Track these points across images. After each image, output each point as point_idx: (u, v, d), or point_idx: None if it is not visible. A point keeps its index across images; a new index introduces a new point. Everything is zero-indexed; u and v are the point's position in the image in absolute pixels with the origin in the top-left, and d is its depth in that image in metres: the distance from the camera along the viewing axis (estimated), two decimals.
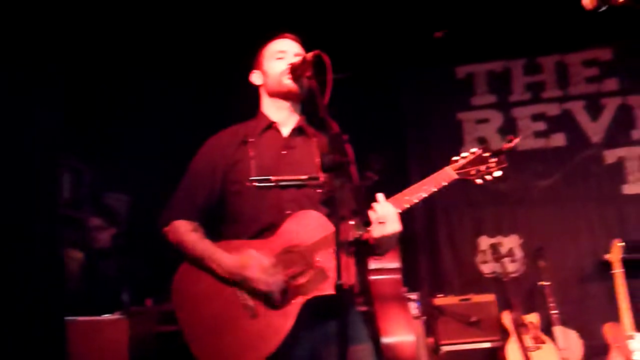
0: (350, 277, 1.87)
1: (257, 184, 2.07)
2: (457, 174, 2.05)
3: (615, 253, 4.59)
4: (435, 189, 2.02)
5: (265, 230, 2.05)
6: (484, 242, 5.49)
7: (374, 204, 1.96)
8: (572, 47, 5.56)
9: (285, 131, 2.21)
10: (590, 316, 5.00)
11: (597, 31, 5.04)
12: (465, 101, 5.76)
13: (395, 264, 4.40)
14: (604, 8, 1.74)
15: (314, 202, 2.07)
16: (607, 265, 4.73)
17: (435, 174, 2.06)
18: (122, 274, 4.39)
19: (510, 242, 5.47)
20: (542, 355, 4.53)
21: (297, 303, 1.92)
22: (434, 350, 4.70)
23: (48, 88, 3.70)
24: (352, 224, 1.96)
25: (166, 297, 2.14)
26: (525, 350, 4.50)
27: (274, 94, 2.22)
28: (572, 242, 5.33)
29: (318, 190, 2.09)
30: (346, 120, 1.97)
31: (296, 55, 2.18)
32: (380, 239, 1.96)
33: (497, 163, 2.05)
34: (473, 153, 2.08)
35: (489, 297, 4.89)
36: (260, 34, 2.31)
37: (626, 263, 4.57)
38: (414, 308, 4.56)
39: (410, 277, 4.87)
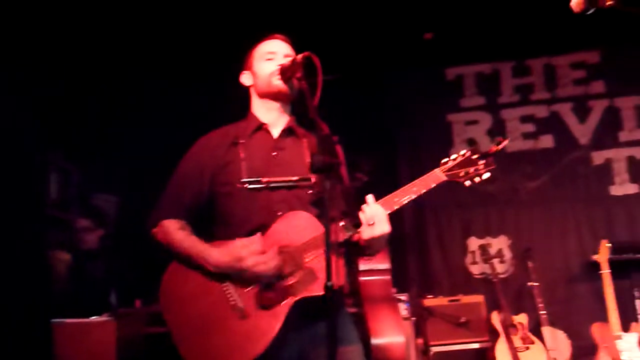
0: (339, 278, 1.86)
1: (247, 186, 2.06)
2: (446, 175, 2.07)
3: (603, 254, 4.63)
4: (425, 191, 2.03)
5: (255, 231, 2.04)
6: (473, 243, 5.52)
7: (364, 206, 1.97)
8: (560, 50, 5.61)
9: (276, 132, 2.21)
10: (577, 316, 5.04)
11: (585, 34, 5.09)
12: (454, 103, 5.79)
13: (385, 265, 4.40)
14: (591, 10, 1.75)
15: (304, 203, 2.07)
16: (595, 266, 4.77)
17: (425, 175, 2.07)
18: (110, 275, 4.36)
19: (499, 243, 5.49)
20: (531, 355, 4.55)
21: (286, 304, 1.92)
22: (424, 351, 4.70)
23: (34, 88, 3.67)
24: (342, 225, 1.97)
25: (154, 298, 2.13)
26: (514, 350, 4.52)
27: (263, 95, 2.21)
28: (560, 243, 5.38)
29: (309, 192, 2.08)
30: (336, 121, 1.97)
31: (286, 56, 2.18)
32: (370, 241, 1.97)
33: (486, 165, 2.07)
34: (462, 155, 2.09)
35: (478, 298, 4.91)
36: (250, 35, 2.30)
37: (613, 264, 4.62)
38: (403, 309, 4.57)
39: (400, 278, 4.88)
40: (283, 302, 1.92)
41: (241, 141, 2.15)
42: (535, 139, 5.61)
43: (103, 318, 3.55)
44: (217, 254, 2.00)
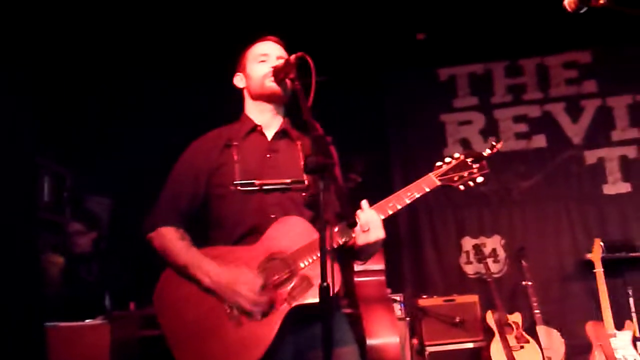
0: (335, 282, 1.86)
1: (241, 188, 2.06)
2: (440, 180, 2.08)
3: (597, 252, 4.65)
4: (419, 195, 2.04)
5: (249, 234, 2.03)
6: (467, 243, 5.53)
7: (358, 212, 1.96)
8: (552, 50, 5.64)
9: (270, 134, 2.20)
10: (572, 315, 5.07)
11: (577, 34, 5.12)
12: (447, 103, 5.80)
13: (379, 266, 4.41)
14: (584, 9, 1.76)
15: (298, 206, 2.07)
16: (588, 265, 4.80)
17: (419, 180, 2.07)
18: (104, 278, 4.34)
19: (493, 243, 5.51)
20: (526, 354, 4.57)
21: (282, 311, 1.91)
22: (418, 351, 4.71)
23: (28, 91, 3.65)
24: (337, 231, 1.96)
25: (149, 301, 2.12)
26: (508, 349, 4.53)
27: (257, 97, 2.21)
28: (554, 242, 5.40)
29: (303, 194, 2.08)
30: (328, 122, 1.97)
31: (279, 58, 2.17)
32: (364, 246, 1.97)
33: (480, 169, 2.08)
34: (456, 159, 2.10)
35: (473, 298, 4.92)
36: (249, 35, 2.29)
37: (606, 262, 4.64)
38: (398, 309, 4.58)
39: (394, 279, 4.89)
40: (278, 310, 1.91)
41: (235, 143, 2.14)
42: (528, 138, 5.63)
43: (97, 321, 3.53)
44: (216, 271, 1.96)
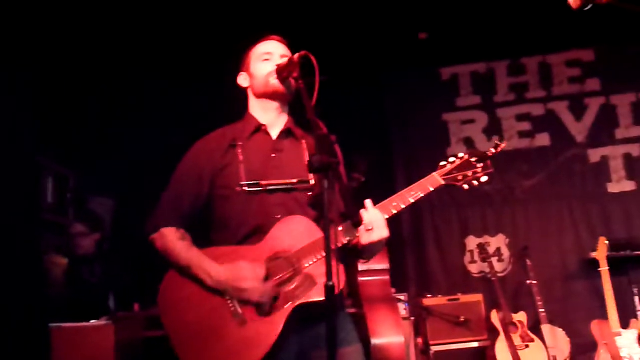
0: (339, 283, 1.86)
1: (246, 189, 2.05)
2: (444, 180, 2.07)
3: (601, 251, 4.63)
4: (423, 195, 2.04)
5: (253, 234, 2.03)
6: (471, 242, 5.52)
7: (362, 211, 1.96)
8: (555, 48, 5.62)
9: (274, 133, 2.20)
10: (576, 314, 5.05)
11: (579, 32, 5.10)
12: (450, 102, 5.79)
13: (384, 265, 4.40)
14: (589, 7, 1.75)
15: (302, 206, 2.06)
16: (592, 263, 4.78)
17: (423, 180, 2.07)
18: (107, 279, 4.33)
19: (497, 242, 5.50)
20: (531, 353, 4.55)
21: (286, 310, 1.91)
22: (423, 350, 4.70)
23: (31, 92, 3.65)
24: (341, 230, 1.96)
25: (153, 302, 2.12)
26: (514, 349, 4.52)
27: (261, 96, 2.21)
28: (558, 241, 5.39)
29: (307, 194, 2.07)
30: (331, 122, 1.96)
31: (282, 56, 2.17)
32: (368, 246, 1.97)
33: (484, 168, 2.08)
34: (460, 158, 2.10)
35: (477, 297, 4.91)
36: (249, 35, 2.29)
37: (611, 261, 4.62)
38: (402, 309, 4.57)
39: (399, 278, 4.88)
40: (282, 309, 1.91)
41: (239, 143, 2.14)
42: (532, 137, 5.62)
43: (101, 322, 3.53)
44: (219, 270, 1.97)
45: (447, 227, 5.59)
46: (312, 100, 1.89)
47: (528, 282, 4.88)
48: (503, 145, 2.13)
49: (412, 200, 2.03)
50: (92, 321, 3.53)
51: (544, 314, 4.70)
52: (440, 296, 4.97)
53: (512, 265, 5.41)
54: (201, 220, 2.17)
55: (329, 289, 1.62)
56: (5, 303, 3.18)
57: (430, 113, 5.78)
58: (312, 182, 2.07)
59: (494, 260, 5.21)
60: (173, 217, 2.11)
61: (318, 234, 1.94)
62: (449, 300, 4.88)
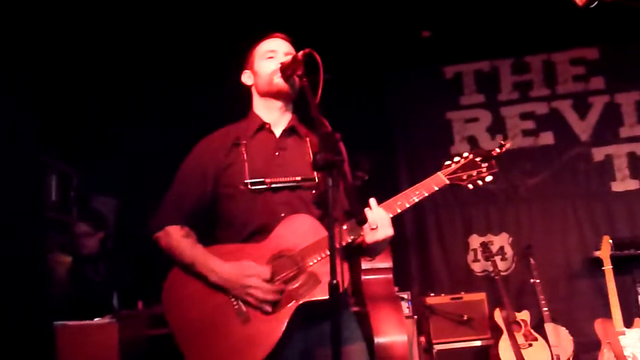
0: (344, 281, 1.86)
1: (250, 187, 2.05)
2: (449, 179, 2.08)
3: (605, 250, 4.62)
4: (427, 194, 2.04)
5: (258, 233, 2.03)
6: (475, 240, 5.51)
7: (366, 210, 1.96)
8: (559, 46, 5.61)
9: (278, 131, 2.19)
10: (580, 313, 5.05)
11: (583, 30, 5.09)
12: (454, 101, 5.78)
13: (387, 264, 4.40)
14: (594, 4, 1.74)
15: (307, 204, 2.06)
16: (596, 262, 4.77)
17: (427, 179, 2.07)
18: (111, 278, 4.34)
19: (501, 241, 5.49)
20: (534, 352, 4.55)
21: (290, 308, 1.91)
22: (426, 349, 4.70)
23: (34, 90, 3.66)
24: (345, 228, 1.96)
25: (157, 300, 2.12)
26: (517, 347, 4.52)
27: (265, 94, 2.20)
28: (561, 240, 5.38)
29: (312, 192, 2.07)
30: (333, 121, 1.96)
31: (287, 54, 2.17)
32: (373, 244, 1.97)
33: (488, 168, 2.08)
34: (464, 158, 2.10)
35: (480, 296, 4.91)
36: (250, 35, 2.29)
37: (615, 260, 4.61)
38: (405, 307, 4.56)
39: (402, 277, 4.88)
40: (286, 307, 1.91)
41: (243, 141, 2.13)
42: (536, 136, 5.61)
43: (105, 320, 3.54)
44: (223, 266, 1.97)
45: (450, 226, 5.59)
46: (316, 98, 1.89)
47: (531, 280, 4.87)
48: (508, 145, 2.13)
49: (417, 200, 2.03)
50: (95, 319, 3.54)
51: (547, 313, 4.69)
52: (443, 295, 4.96)
53: (516, 264, 5.41)
54: (206, 218, 2.17)
55: (333, 288, 1.62)
56: (10, 301, 3.19)
57: (434, 111, 5.77)
58: (317, 179, 2.06)
59: (497, 258, 5.20)
60: (177, 215, 2.12)
61: (322, 232, 1.94)
62: (452, 298, 4.88)
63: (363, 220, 1.82)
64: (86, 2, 4.10)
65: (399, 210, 2.00)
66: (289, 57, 2.10)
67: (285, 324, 1.89)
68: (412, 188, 2.05)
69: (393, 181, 5.47)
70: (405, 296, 4.68)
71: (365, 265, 4.33)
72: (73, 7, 4.04)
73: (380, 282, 4.32)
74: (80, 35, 4.36)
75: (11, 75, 3.44)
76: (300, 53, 2.01)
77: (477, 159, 2.09)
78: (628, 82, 5.44)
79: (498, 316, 4.71)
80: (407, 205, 2.02)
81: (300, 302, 1.91)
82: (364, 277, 4.33)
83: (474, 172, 2.08)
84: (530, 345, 4.58)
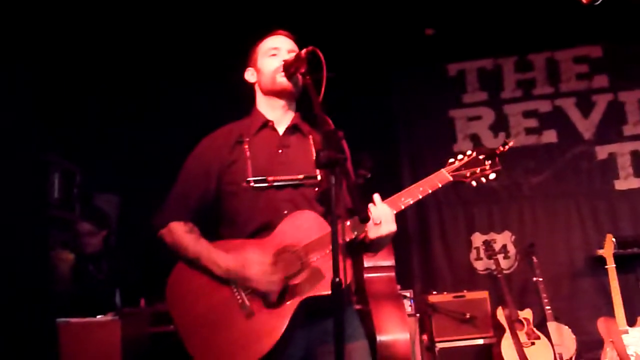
0: (347, 277, 1.86)
1: (253, 185, 2.05)
2: (452, 176, 2.09)
3: (608, 248, 4.61)
4: (431, 191, 2.05)
5: (261, 230, 2.04)
6: (477, 239, 5.51)
7: (370, 205, 1.96)
8: (562, 44, 5.60)
9: (281, 129, 2.20)
10: (582, 311, 5.05)
11: (587, 28, 5.08)
12: (456, 98, 5.78)
13: (389, 262, 4.40)
14: (599, 2, 1.73)
15: (310, 201, 2.06)
16: (599, 260, 4.76)
17: (431, 175, 2.09)
18: (114, 275, 4.36)
19: (503, 239, 5.48)
20: (536, 351, 4.54)
21: (293, 303, 1.91)
22: (428, 347, 4.70)
23: (36, 88, 3.67)
24: (348, 225, 1.96)
25: (159, 297, 2.13)
26: (519, 346, 4.51)
27: (268, 92, 2.20)
28: (564, 238, 5.38)
29: (315, 189, 2.08)
30: (337, 118, 1.96)
31: (290, 51, 2.17)
32: (376, 240, 1.97)
33: (492, 165, 2.10)
34: (468, 155, 2.12)
35: (483, 294, 4.90)
36: (252, 34, 2.29)
37: (618, 258, 4.60)
38: (408, 305, 4.56)
39: (404, 275, 4.88)
40: (289, 302, 1.91)
41: (246, 139, 2.14)
42: (539, 134, 5.60)
43: (108, 317, 3.55)
44: (226, 258, 1.99)
45: (453, 224, 5.58)
46: (319, 96, 1.89)
47: (534, 279, 4.86)
48: (511, 144, 2.14)
49: (421, 196, 2.04)
50: (98, 317, 3.55)
51: (550, 311, 4.69)
52: (445, 293, 4.96)
53: (518, 262, 5.40)
54: (209, 215, 2.18)
55: (335, 285, 1.62)
56: (13, 298, 3.20)
57: (437, 109, 5.77)
58: (320, 177, 2.07)
59: (500, 257, 5.19)
60: (181, 212, 2.12)
61: (326, 228, 1.95)
62: (455, 297, 4.88)
63: (366, 218, 1.82)
64: (91, 2, 4.11)
65: (402, 207, 2.02)
66: (292, 55, 2.10)
67: (289, 319, 1.89)
68: (415, 185, 2.06)
69: (396, 179, 5.46)
70: (408, 294, 4.68)
71: (367, 263, 4.33)
72: (77, 6, 4.05)
73: (383, 280, 4.32)
74: (82, 35, 4.37)
75: (14, 74, 3.44)
76: (304, 51, 2.01)
77: (481, 157, 2.10)
78: (632, 80, 5.43)
79: (501, 314, 4.71)
80: (411, 202, 2.03)
81: (304, 297, 1.91)
82: (366, 275, 4.33)
83: (477, 170, 2.09)
84: (533, 343, 4.58)
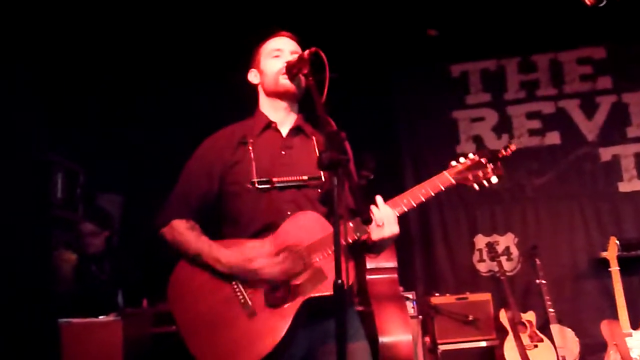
0: (349, 278, 1.86)
1: (257, 186, 2.06)
2: (455, 179, 2.10)
3: (612, 250, 4.60)
4: (433, 193, 2.06)
5: (264, 230, 2.04)
6: (480, 240, 5.49)
7: (373, 207, 1.97)
8: (566, 45, 5.58)
9: (284, 130, 2.20)
10: (586, 314, 5.02)
11: (590, 30, 5.06)
12: (459, 99, 5.76)
13: (392, 264, 4.39)
14: (603, 3, 1.72)
15: (313, 202, 2.07)
16: (603, 263, 4.75)
17: (433, 178, 2.09)
18: (116, 275, 4.36)
19: (506, 241, 5.47)
20: (540, 353, 4.53)
21: (295, 303, 1.91)
22: (431, 349, 4.69)
23: (39, 88, 3.67)
24: (351, 226, 1.96)
25: (161, 297, 2.13)
26: (522, 348, 4.50)
27: (271, 94, 2.21)
28: (568, 240, 5.35)
29: (318, 190, 2.08)
30: (338, 120, 1.96)
31: (292, 53, 2.17)
32: (378, 241, 1.98)
33: (494, 169, 2.10)
34: (471, 159, 2.12)
35: (485, 296, 4.88)
36: (253, 35, 2.29)
37: (621, 260, 4.58)
38: (410, 307, 4.55)
39: (406, 277, 4.87)
40: (292, 302, 1.91)
41: (250, 140, 2.14)
42: (542, 135, 5.58)
43: (110, 318, 3.55)
44: (228, 254, 1.99)
45: (456, 226, 5.57)
46: (322, 97, 1.89)
47: (537, 281, 4.85)
48: (514, 147, 2.14)
49: (423, 199, 2.05)
50: (100, 317, 3.55)
51: (553, 314, 4.67)
52: (448, 295, 4.94)
53: (521, 264, 5.38)
54: (212, 216, 2.18)
55: (337, 286, 1.61)
56: (15, 298, 3.20)
57: (440, 110, 5.75)
58: (323, 178, 2.07)
59: (503, 259, 5.18)
60: (182, 210, 2.13)
61: (329, 228, 1.95)
62: (457, 299, 4.86)
63: (368, 219, 1.82)
64: (93, 2, 4.11)
65: (405, 209, 2.02)
66: (295, 56, 2.10)
67: (291, 319, 1.90)
68: (418, 186, 2.06)
69: (398, 180, 5.45)
70: (410, 296, 4.66)
71: (370, 264, 4.33)
72: (80, 7, 4.06)
73: (385, 282, 4.31)
74: (85, 35, 4.38)
75: (17, 74, 3.45)
76: (306, 52, 2.02)
77: (483, 160, 2.11)
78: (636, 81, 5.40)
79: (503, 317, 4.70)
80: (414, 204, 2.04)
81: (307, 297, 1.91)
82: (368, 277, 4.32)
83: (480, 173, 2.10)
84: (536, 346, 4.56)
